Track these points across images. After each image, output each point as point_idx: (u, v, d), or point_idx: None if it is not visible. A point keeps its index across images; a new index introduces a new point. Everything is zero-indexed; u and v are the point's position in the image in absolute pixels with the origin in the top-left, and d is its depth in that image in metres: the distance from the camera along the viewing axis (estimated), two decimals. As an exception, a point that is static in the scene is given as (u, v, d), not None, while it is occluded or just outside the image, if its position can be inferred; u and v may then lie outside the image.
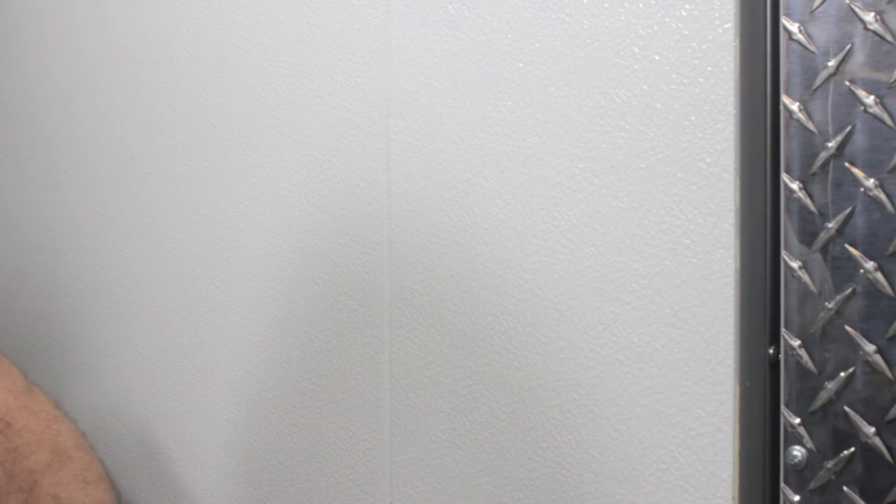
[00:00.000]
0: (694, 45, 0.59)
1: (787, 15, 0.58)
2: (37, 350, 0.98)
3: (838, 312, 0.58)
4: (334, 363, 0.77)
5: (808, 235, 0.58)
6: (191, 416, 0.87)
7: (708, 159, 0.59)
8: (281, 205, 0.80)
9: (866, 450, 0.57)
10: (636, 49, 0.61)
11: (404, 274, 0.72)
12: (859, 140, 0.57)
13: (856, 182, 0.57)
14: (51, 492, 0.62)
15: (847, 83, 0.57)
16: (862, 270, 0.57)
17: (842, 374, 0.58)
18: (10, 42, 1.02)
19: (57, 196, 0.98)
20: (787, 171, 0.59)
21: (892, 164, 0.56)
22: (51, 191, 0.98)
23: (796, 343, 0.59)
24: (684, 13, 0.60)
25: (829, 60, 0.57)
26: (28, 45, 1.00)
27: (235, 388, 0.84)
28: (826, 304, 0.58)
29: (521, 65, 0.66)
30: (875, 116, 0.56)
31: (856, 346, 0.57)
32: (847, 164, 0.57)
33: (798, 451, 0.59)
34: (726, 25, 0.58)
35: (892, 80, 0.56)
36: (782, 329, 0.60)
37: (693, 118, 0.60)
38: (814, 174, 0.58)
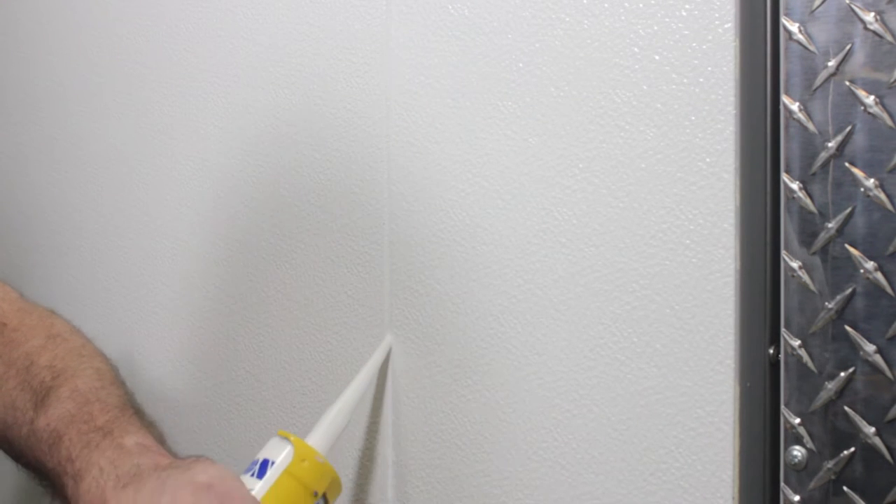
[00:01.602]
0: (694, 45, 0.59)
1: (787, 15, 0.58)
2: None
3: (838, 312, 0.58)
4: (334, 363, 0.77)
5: (808, 235, 0.58)
6: (192, 416, 0.87)
7: (708, 159, 0.59)
8: (281, 204, 0.80)
9: (866, 450, 0.57)
10: (636, 49, 0.61)
11: (404, 274, 0.72)
12: (859, 140, 0.57)
13: (856, 182, 0.57)
14: (46, 364, 0.64)
15: (847, 83, 0.57)
16: (862, 270, 0.57)
17: (842, 374, 0.58)
18: (10, 42, 1.02)
19: (57, 196, 0.98)
20: (787, 171, 0.59)
21: (892, 164, 0.56)
22: (51, 191, 0.98)
23: (796, 343, 0.59)
24: (684, 13, 0.60)
25: (829, 60, 0.57)
26: (28, 45, 1.00)
27: (236, 388, 0.84)
28: (826, 304, 0.58)
29: (521, 65, 0.66)
30: (875, 116, 0.56)
31: (856, 346, 0.57)
32: (847, 164, 0.57)
33: (798, 451, 0.59)
34: (726, 25, 0.58)
35: (892, 80, 0.56)
36: (782, 329, 0.60)
37: (693, 118, 0.59)
38: (814, 174, 0.58)
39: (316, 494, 0.60)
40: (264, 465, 0.59)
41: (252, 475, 0.59)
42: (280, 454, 0.60)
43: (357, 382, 0.69)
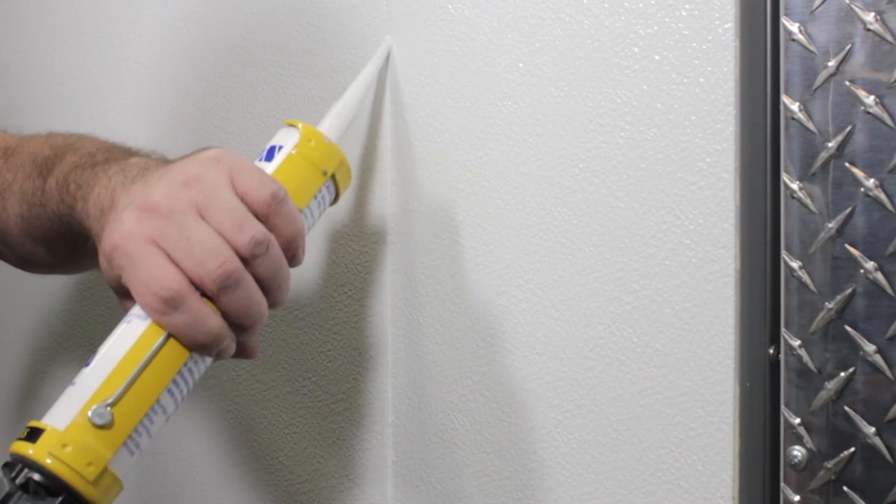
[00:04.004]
0: (694, 45, 0.59)
1: (787, 15, 0.58)
2: (39, 349, 0.98)
3: (838, 312, 0.58)
4: (334, 363, 0.77)
5: (808, 235, 0.58)
6: (190, 414, 0.87)
7: (708, 159, 0.59)
8: (281, 205, 0.80)
9: (866, 450, 0.57)
10: (636, 49, 0.61)
11: (404, 274, 0.72)
12: (859, 140, 0.57)
13: (856, 182, 0.57)
14: (49, 147, 0.66)
15: (847, 83, 0.57)
16: (862, 270, 0.57)
17: (842, 374, 0.58)
18: (10, 41, 1.02)
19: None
20: (787, 171, 0.59)
21: (892, 164, 0.56)
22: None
23: (796, 343, 0.59)
24: (684, 13, 0.60)
25: (829, 60, 0.57)
26: (28, 45, 1.00)
27: (235, 388, 0.84)
28: (826, 304, 0.58)
29: (521, 65, 0.66)
30: (875, 116, 0.56)
31: (856, 346, 0.57)
32: (847, 164, 0.57)
33: (798, 451, 0.59)
34: (726, 25, 0.58)
35: (892, 80, 0.56)
36: (782, 329, 0.60)
37: (693, 118, 0.60)
38: (814, 174, 0.58)
39: (325, 173, 0.60)
40: (272, 150, 0.59)
41: (261, 160, 0.59)
42: (288, 140, 0.60)
43: (361, 78, 0.68)
